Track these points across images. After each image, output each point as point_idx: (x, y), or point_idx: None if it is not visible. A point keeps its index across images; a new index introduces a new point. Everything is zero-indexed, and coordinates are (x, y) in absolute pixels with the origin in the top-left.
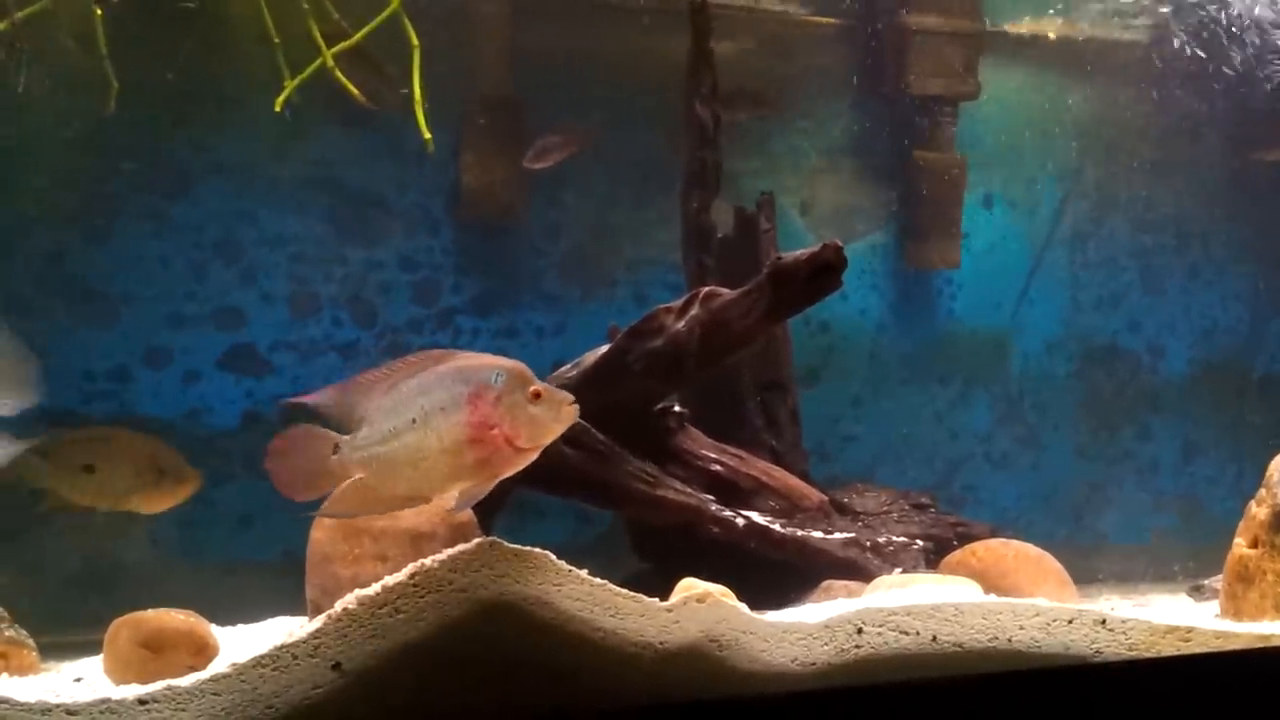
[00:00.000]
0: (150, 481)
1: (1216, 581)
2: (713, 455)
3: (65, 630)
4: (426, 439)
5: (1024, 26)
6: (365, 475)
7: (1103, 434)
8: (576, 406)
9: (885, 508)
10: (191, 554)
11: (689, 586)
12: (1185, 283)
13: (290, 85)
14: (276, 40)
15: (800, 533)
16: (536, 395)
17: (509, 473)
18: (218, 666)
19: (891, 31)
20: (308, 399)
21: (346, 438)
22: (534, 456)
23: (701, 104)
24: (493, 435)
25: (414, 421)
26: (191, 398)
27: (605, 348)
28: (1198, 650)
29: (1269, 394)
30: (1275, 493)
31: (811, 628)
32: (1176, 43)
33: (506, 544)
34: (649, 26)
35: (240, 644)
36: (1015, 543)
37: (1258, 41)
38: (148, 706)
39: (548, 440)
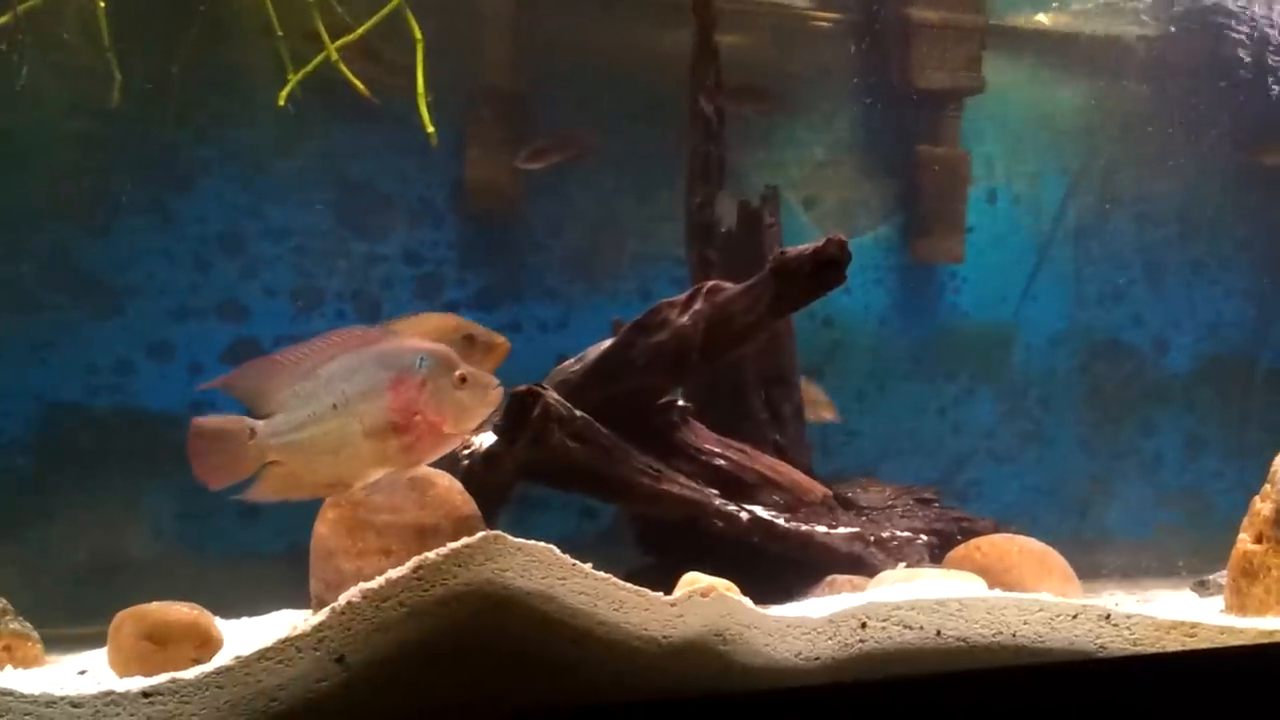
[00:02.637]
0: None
1: (1221, 577)
2: (716, 450)
3: (69, 623)
4: (348, 425)
5: (1028, 20)
6: (284, 461)
7: (1107, 429)
8: (501, 390)
9: (889, 502)
10: (195, 547)
11: (693, 581)
12: (1190, 277)
13: (294, 79)
14: (280, 34)
15: (804, 527)
16: (462, 380)
17: (433, 458)
18: (221, 659)
19: (896, 25)
20: (221, 381)
21: (262, 423)
22: (459, 441)
23: (706, 98)
24: (416, 421)
25: (334, 407)
26: (195, 391)
27: (609, 342)
28: (1202, 646)
29: (1274, 389)
30: None
31: (815, 622)
32: (1182, 37)
33: (510, 538)
34: (654, 20)
35: (244, 637)
36: (1019, 538)
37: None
38: (151, 699)
39: (474, 424)
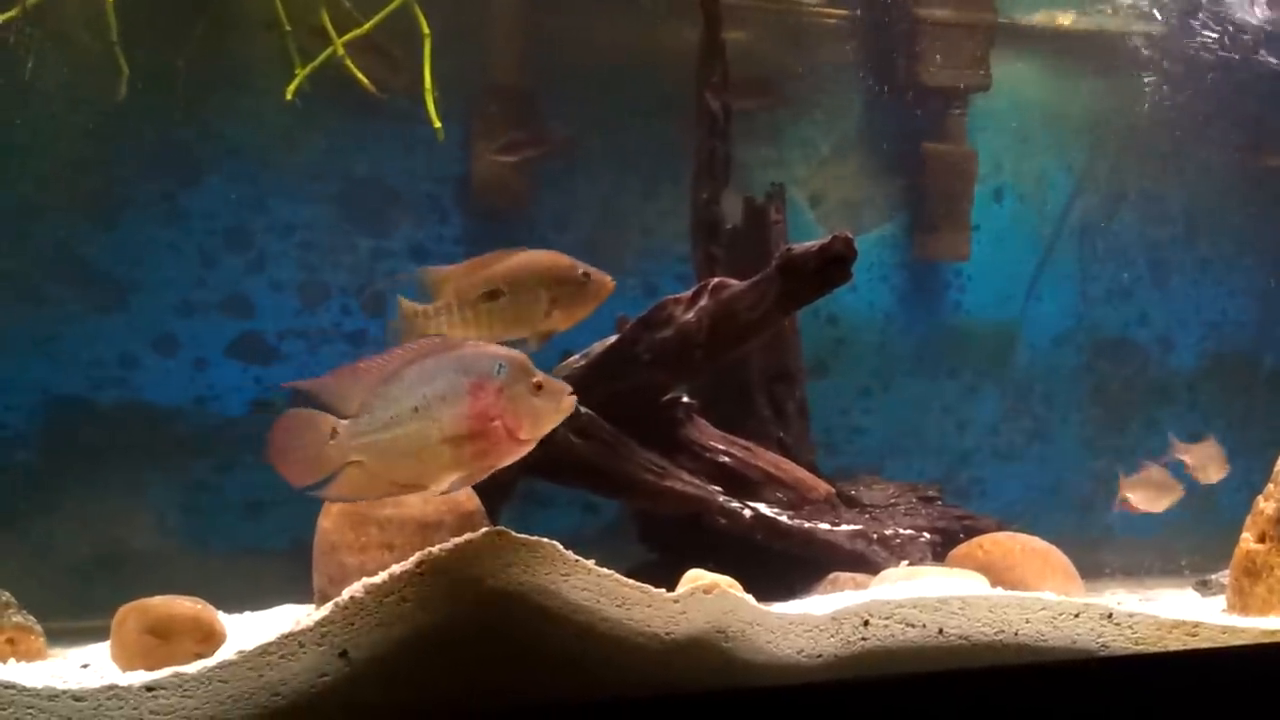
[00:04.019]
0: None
1: (1223, 576)
2: (721, 446)
3: (73, 616)
4: (427, 428)
5: (1036, 18)
6: (364, 461)
7: (1111, 427)
8: (575, 397)
9: (892, 500)
10: (199, 541)
11: (696, 577)
12: (1195, 276)
13: (301, 73)
14: (288, 28)
15: (807, 524)
16: (538, 386)
17: (506, 463)
18: (225, 654)
19: (903, 23)
20: (307, 384)
21: (346, 423)
22: (531, 447)
23: (712, 94)
24: (494, 426)
25: (415, 410)
26: (200, 385)
27: (614, 338)
28: (1204, 645)
29: (1278, 388)
30: None
31: (818, 620)
32: (1189, 35)
33: (514, 533)
34: (661, 16)
35: (247, 631)
36: (1022, 536)
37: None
38: (154, 693)
39: (547, 430)
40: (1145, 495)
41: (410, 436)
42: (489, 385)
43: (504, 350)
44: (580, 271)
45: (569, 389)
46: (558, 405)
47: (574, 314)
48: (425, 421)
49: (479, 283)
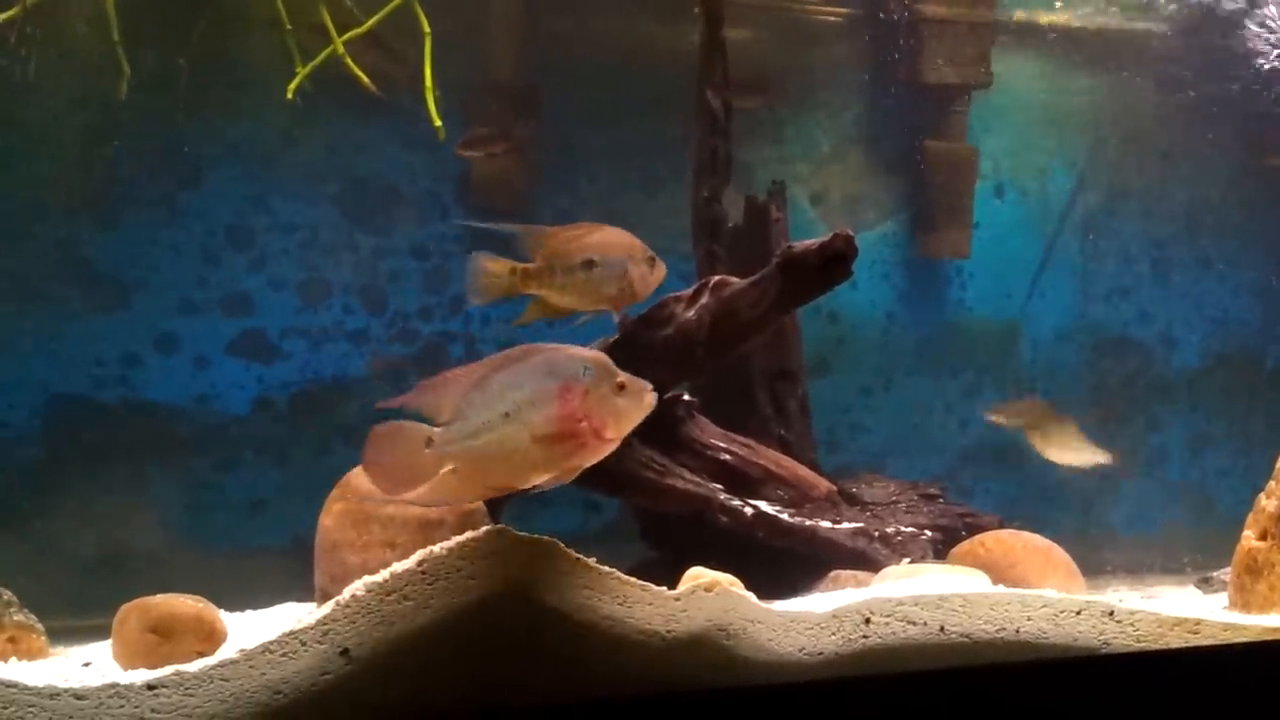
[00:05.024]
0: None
1: (1225, 574)
2: (722, 444)
3: (74, 615)
4: (518, 431)
5: (1038, 15)
6: (458, 466)
7: (1112, 425)
8: (656, 394)
9: (894, 498)
10: (200, 540)
11: (697, 575)
12: (1197, 274)
13: (302, 72)
14: (289, 27)
15: (809, 522)
16: (621, 386)
17: (593, 461)
18: (226, 652)
19: (904, 20)
20: (401, 400)
21: (439, 430)
22: (616, 445)
23: (713, 92)
24: (581, 427)
25: (506, 415)
26: (201, 383)
27: (615, 336)
28: (1206, 643)
29: None
30: None
31: (819, 617)
32: (1191, 32)
33: (515, 532)
34: (662, 14)
35: (249, 630)
36: (1023, 533)
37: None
38: (156, 692)
39: (630, 429)
40: (1010, 419)
41: (502, 441)
42: (576, 387)
43: (588, 352)
44: (650, 254)
45: (650, 388)
46: (640, 404)
47: (640, 294)
48: (516, 425)
49: (577, 250)
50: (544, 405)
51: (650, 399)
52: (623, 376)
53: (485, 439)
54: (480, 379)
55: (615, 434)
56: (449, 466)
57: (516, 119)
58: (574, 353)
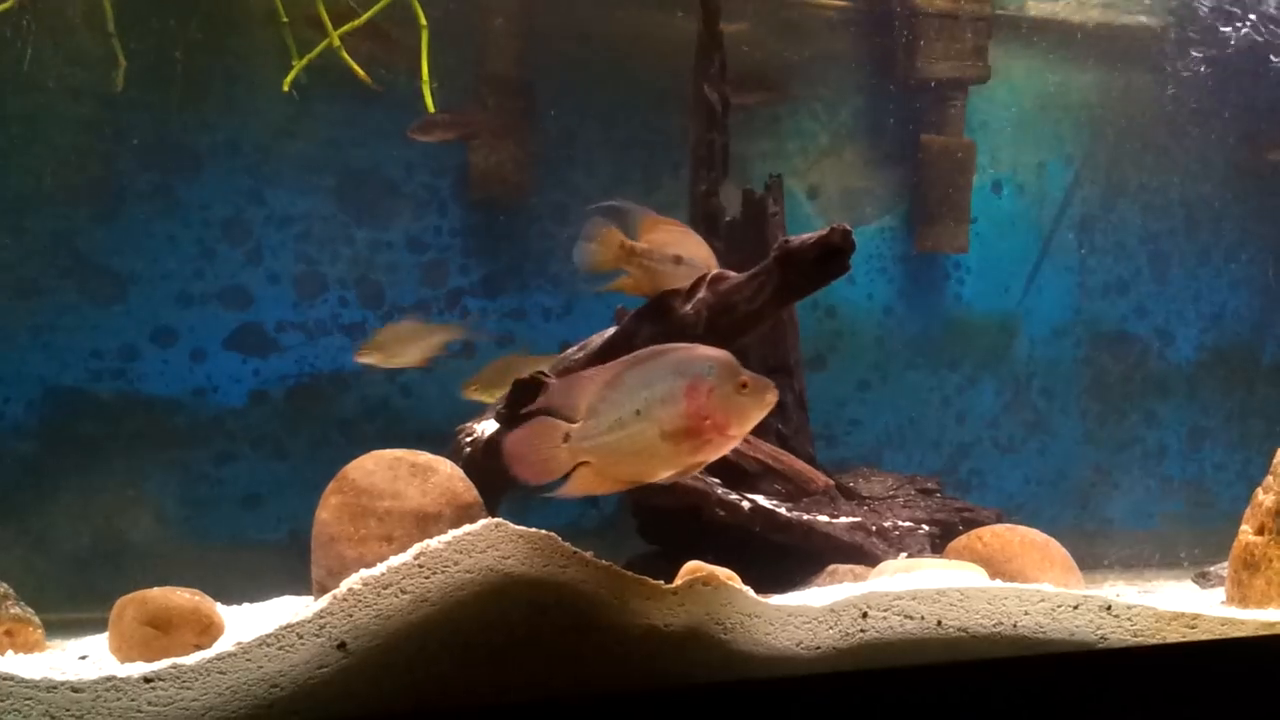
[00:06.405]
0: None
1: (1222, 568)
2: None
3: (71, 608)
4: (649, 428)
5: (1035, 10)
6: (592, 461)
7: (1110, 420)
8: (776, 392)
9: (891, 492)
10: (197, 533)
11: (694, 569)
12: (1194, 268)
13: (298, 64)
14: (285, 20)
15: (806, 516)
16: (743, 385)
17: (716, 457)
18: (223, 645)
19: (901, 15)
20: (540, 402)
21: (575, 427)
22: (737, 442)
23: (710, 86)
24: (706, 424)
25: (637, 413)
26: (198, 376)
27: (612, 330)
28: (1203, 637)
29: (1277, 381)
30: None
31: (816, 611)
32: (1188, 27)
33: (512, 525)
34: (659, 7)
35: (245, 623)
36: (1021, 528)
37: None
38: (153, 684)
39: (751, 426)
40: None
41: (634, 437)
42: (702, 386)
43: (713, 351)
44: (720, 271)
45: (771, 385)
46: (762, 401)
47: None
48: (647, 422)
49: (674, 243)
50: (673, 403)
51: (771, 397)
52: (745, 375)
53: (617, 435)
54: (613, 378)
55: (738, 431)
56: (583, 460)
57: (495, 110)
58: (701, 352)
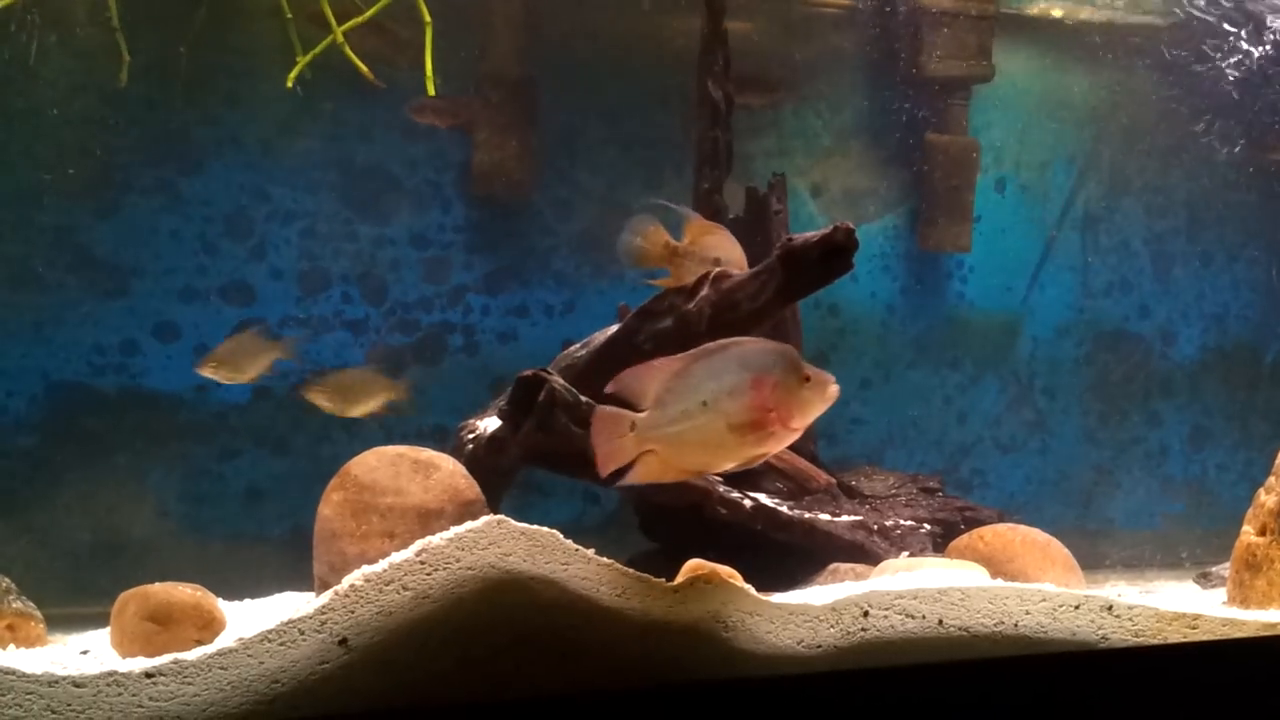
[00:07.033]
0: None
1: (1224, 569)
2: None
3: (72, 603)
4: (715, 420)
5: (1039, 9)
6: (659, 450)
7: (1112, 419)
8: (838, 386)
9: (893, 491)
10: (199, 528)
11: (696, 567)
12: (1197, 268)
13: (303, 60)
14: (289, 15)
15: (808, 515)
16: (806, 378)
17: (779, 449)
18: (224, 641)
19: (906, 13)
20: (610, 387)
21: (643, 416)
22: (799, 435)
23: (714, 84)
24: (770, 417)
25: (704, 404)
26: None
27: (615, 327)
28: (1204, 638)
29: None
30: None
31: (818, 610)
32: (1193, 27)
33: (514, 522)
34: (663, 5)
35: (247, 619)
36: (1023, 528)
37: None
38: (154, 679)
39: (813, 419)
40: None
41: (700, 428)
42: (767, 379)
43: (778, 346)
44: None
45: (833, 379)
46: (824, 395)
47: None
48: (713, 414)
49: (713, 246)
50: (738, 396)
51: (833, 391)
52: (808, 369)
53: (683, 426)
54: (680, 369)
55: (800, 424)
56: (649, 449)
57: (497, 105)
58: (766, 346)
